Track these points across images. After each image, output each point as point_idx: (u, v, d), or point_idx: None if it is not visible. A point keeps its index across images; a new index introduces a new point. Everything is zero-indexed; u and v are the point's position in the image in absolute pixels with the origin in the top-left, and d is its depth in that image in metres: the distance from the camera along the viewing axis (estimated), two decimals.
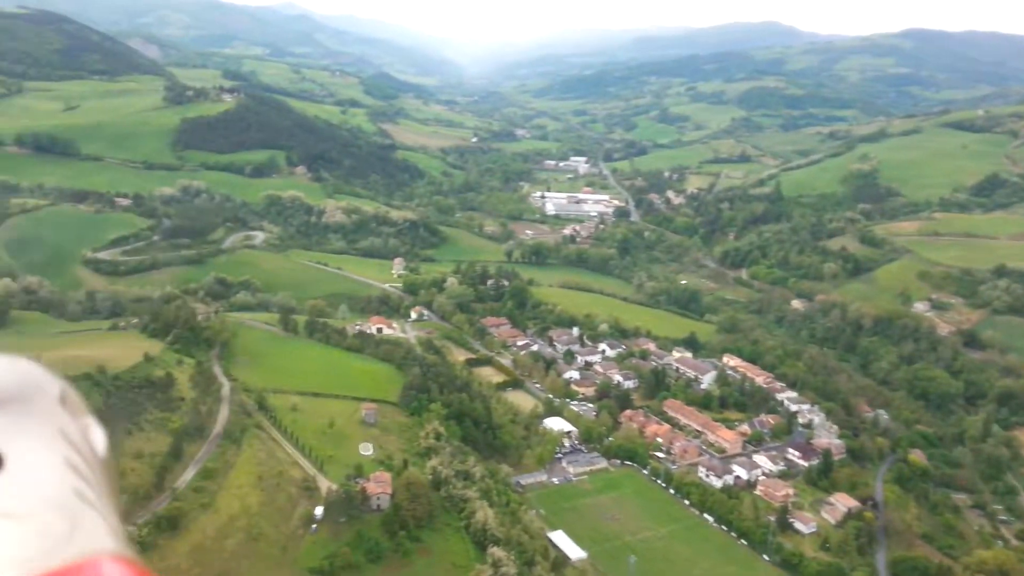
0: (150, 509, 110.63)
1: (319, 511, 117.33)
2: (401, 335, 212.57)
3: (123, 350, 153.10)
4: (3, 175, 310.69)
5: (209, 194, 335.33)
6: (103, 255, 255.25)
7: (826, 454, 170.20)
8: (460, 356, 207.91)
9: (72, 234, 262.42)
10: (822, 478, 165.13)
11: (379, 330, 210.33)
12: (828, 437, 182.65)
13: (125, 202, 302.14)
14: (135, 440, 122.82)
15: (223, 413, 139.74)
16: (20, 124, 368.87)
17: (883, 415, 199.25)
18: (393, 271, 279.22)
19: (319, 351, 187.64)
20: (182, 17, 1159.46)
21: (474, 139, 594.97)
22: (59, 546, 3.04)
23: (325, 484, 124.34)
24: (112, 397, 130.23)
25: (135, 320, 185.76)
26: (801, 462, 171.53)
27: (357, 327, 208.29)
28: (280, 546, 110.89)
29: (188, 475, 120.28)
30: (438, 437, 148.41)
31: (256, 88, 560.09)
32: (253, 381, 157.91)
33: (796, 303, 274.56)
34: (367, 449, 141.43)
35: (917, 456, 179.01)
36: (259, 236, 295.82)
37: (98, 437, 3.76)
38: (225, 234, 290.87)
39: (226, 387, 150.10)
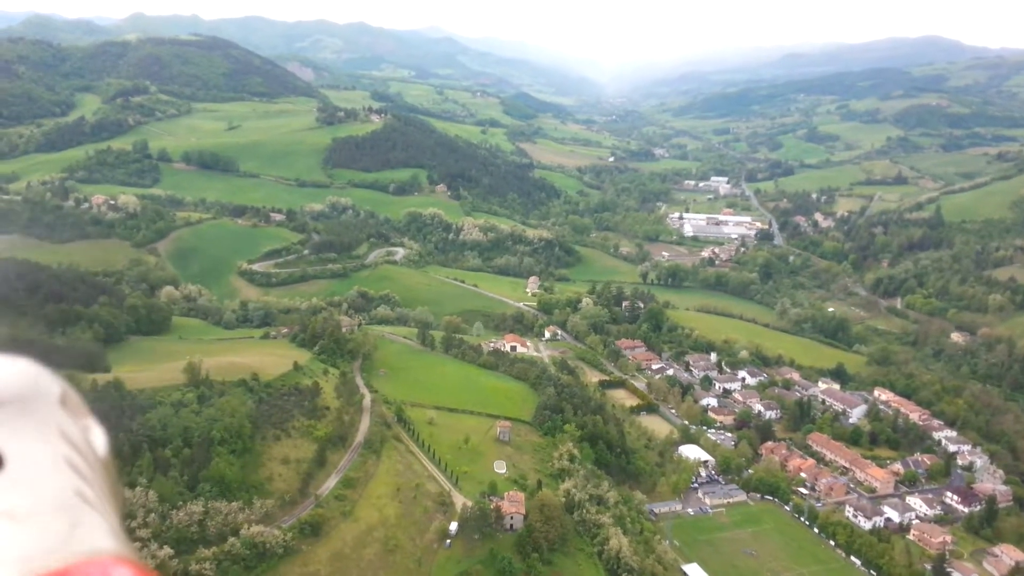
0: (295, 514, 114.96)
1: (454, 527, 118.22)
2: (535, 354, 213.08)
3: (274, 358, 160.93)
4: (170, 190, 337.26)
5: (355, 210, 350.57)
6: (257, 267, 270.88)
7: (990, 500, 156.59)
8: (594, 377, 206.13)
9: (229, 246, 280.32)
10: (985, 526, 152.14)
11: (513, 348, 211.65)
12: (992, 482, 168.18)
13: (279, 217, 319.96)
14: (282, 446, 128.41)
15: (364, 423, 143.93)
16: (187, 143, 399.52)
17: None
18: (527, 289, 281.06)
19: (455, 367, 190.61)
20: (335, 41, 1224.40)
21: (611, 158, 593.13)
22: (59, 546, 3.05)
23: (460, 500, 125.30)
24: (264, 403, 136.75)
25: (284, 330, 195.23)
26: (960, 507, 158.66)
27: (492, 344, 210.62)
28: (415, 559, 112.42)
29: (331, 483, 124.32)
30: (571, 459, 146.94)
31: (401, 109, 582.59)
32: (392, 393, 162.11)
33: (956, 336, 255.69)
34: (501, 467, 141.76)
35: None
36: (399, 252, 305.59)
37: (98, 437, 3.77)
38: (368, 249, 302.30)
39: (367, 398, 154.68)
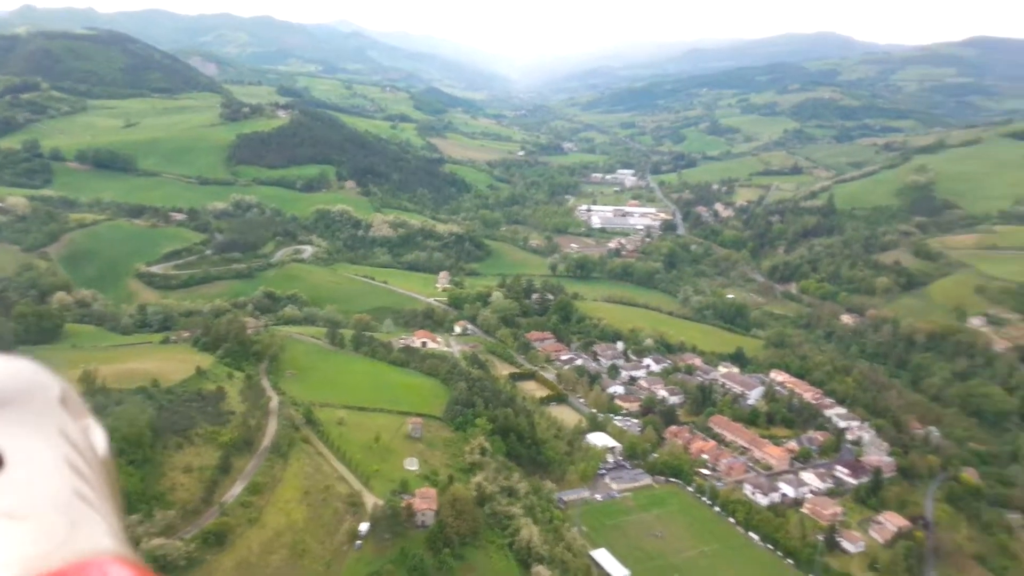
0: (198, 524, 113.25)
1: (364, 527, 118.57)
2: (446, 349, 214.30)
3: (175, 363, 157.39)
4: (63, 191, 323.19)
5: (260, 208, 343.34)
6: (156, 269, 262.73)
7: (876, 472, 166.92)
8: (504, 370, 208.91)
9: (127, 248, 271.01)
10: (871, 496, 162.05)
11: (424, 344, 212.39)
12: (878, 454, 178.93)
13: (179, 217, 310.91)
14: (185, 454, 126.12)
15: (271, 427, 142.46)
16: (82, 141, 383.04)
17: (934, 432, 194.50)
18: (438, 285, 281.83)
19: (365, 365, 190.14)
20: (240, 35, 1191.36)
21: (521, 152, 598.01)
22: (59, 546, 3.05)
23: (371, 499, 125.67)
24: (165, 410, 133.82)
25: (186, 334, 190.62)
26: (850, 480, 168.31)
27: (402, 341, 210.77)
28: (324, 562, 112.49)
29: (236, 490, 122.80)
30: (483, 452, 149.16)
31: (309, 104, 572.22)
32: (301, 394, 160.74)
33: (846, 318, 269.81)
34: (412, 464, 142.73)
35: (969, 475, 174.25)
36: (307, 250, 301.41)
37: (99, 437, 3.79)
38: (275, 248, 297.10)
39: (274, 401, 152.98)
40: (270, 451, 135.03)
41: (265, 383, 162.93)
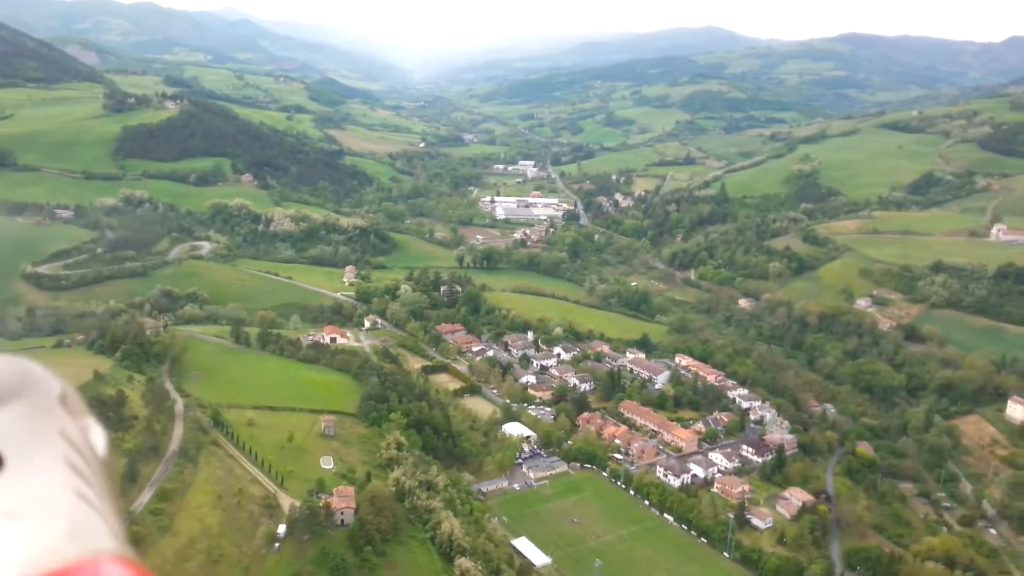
0: None
1: (282, 529, 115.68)
2: (356, 344, 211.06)
3: (70, 369, 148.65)
4: None
5: (153, 204, 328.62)
6: (44, 269, 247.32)
7: (779, 450, 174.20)
8: (416, 364, 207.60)
9: (10, 248, 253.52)
10: (776, 473, 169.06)
11: (333, 340, 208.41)
12: (780, 433, 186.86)
13: (66, 214, 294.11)
14: None
15: (178, 431, 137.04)
16: None
17: (831, 409, 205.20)
18: (344, 279, 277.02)
19: (273, 363, 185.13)
20: (121, 23, 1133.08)
21: (422, 144, 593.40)
22: (59, 546, 3.04)
23: (287, 501, 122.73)
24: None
25: (80, 337, 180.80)
26: (755, 458, 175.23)
27: (311, 338, 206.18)
28: (243, 567, 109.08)
29: (145, 497, 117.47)
30: (399, 447, 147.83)
31: (199, 95, 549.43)
32: (207, 396, 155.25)
33: (744, 302, 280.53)
34: (328, 462, 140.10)
35: (864, 448, 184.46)
36: (205, 246, 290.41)
37: (98, 437, 3.77)
38: (170, 245, 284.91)
39: (179, 404, 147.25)
40: (178, 456, 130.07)
41: (169, 386, 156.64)
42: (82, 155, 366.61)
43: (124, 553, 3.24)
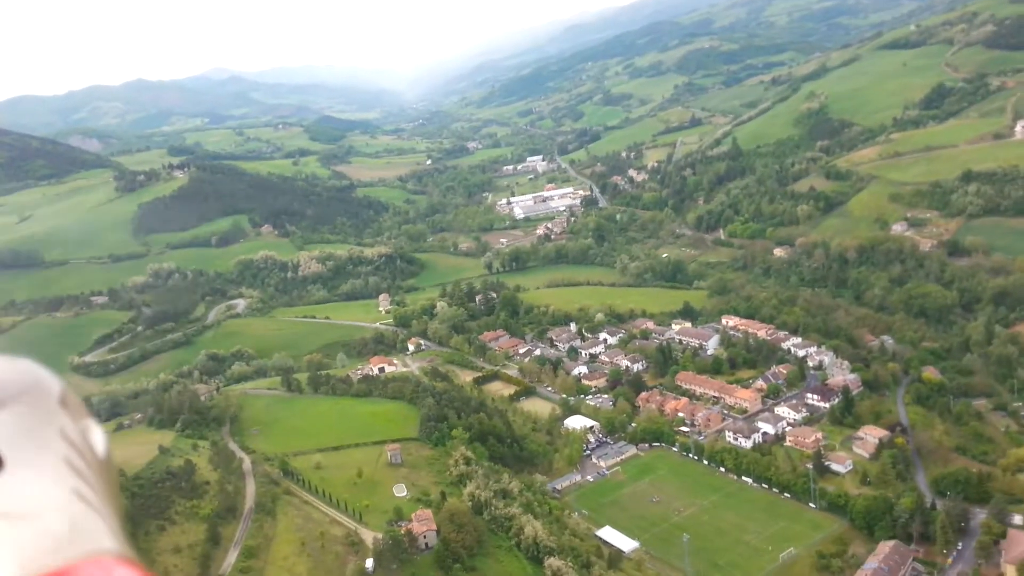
0: None
1: (370, 563, 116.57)
2: (405, 369, 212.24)
3: (135, 448, 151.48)
4: None
5: (181, 273, 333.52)
6: (90, 358, 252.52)
7: (844, 391, 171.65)
8: (467, 377, 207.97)
9: (54, 343, 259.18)
10: (846, 415, 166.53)
11: (382, 370, 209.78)
12: (841, 374, 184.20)
13: (101, 300, 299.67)
14: (169, 535, 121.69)
15: (250, 488, 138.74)
16: None
17: (888, 340, 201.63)
18: (380, 308, 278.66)
19: (328, 404, 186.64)
20: (115, 104, 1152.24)
21: (428, 161, 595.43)
22: (59, 546, 3.04)
23: (369, 535, 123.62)
24: (137, 498, 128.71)
25: (138, 415, 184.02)
26: (822, 404, 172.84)
27: (359, 372, 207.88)
28: None
29: (231, 558, 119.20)
30: (467, 462, 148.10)
31: (204, 158, 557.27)
32: (271, 449, 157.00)
33: (778, 251, 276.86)
34: (401, 490, 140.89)
35: (930, 372, 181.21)
36: (240, 303, 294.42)
37: (98, 438, 3.78)
38: (206, 309, 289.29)
39: (246, 461, 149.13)
40: (255, 512, 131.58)
41: (232, 446, 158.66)
42: (105, 240, 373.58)
43: (124, 553, 3.24)
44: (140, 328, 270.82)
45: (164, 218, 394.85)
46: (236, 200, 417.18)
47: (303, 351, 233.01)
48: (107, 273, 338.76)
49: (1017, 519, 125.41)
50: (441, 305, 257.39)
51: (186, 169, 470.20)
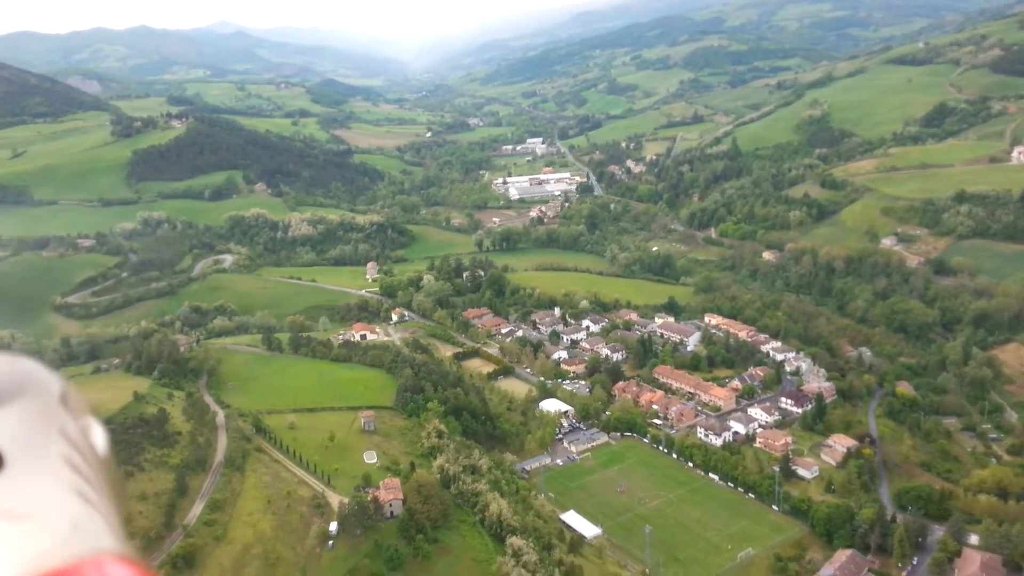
0: (163, 550, 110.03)
1: (334, 527, 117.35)
2: (386, 339, 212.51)
3: (110, 392, 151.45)
4: None
5: (171, 223, 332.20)
6: (73, 299, 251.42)
7: (818, 398, 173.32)
8: (448, 351, 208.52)
9: (38, 282, 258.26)
10: (817, 422, 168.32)
11: (363, 337, 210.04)
12: (817, 381, 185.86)
13: (88, 243, 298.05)
14: (137, 482, 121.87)
15: (222, 442, 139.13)
16: None
17: (866, 352, 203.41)
18: (367, 276, 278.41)
19: (307, 366, 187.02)
20: (118, 48, 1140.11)
21: (428, 134, 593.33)
22: (60, 545, 3.04)
23: (336, 499, 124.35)
24: (108, 441, 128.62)
25: (116, 361, 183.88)
26: (795, 409, 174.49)
27: (341, 337, 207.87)
28: (299, 567, 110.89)
29: (197, 510, 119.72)
30: (440, 435, 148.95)
31: (203, 110, 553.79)
32: (246, 405, 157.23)
33: (767, 255, 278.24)
34: (372, 457, 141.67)
35: (904, 387, 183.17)
36: (227, 259, 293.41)
37: (99, 437, 3.79)
38: (193, 261, 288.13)
39: (220, 415, 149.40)
40: (225, 466, 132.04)
41: (208, 399, 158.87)
42: (97, 183, 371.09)
43: (125, 552, 3.24)
44: (125, 274, 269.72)
45: (158, 167, 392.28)
46: (232, 155, 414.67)
47: (286, 311, 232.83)
48: (96, 217, 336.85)
49: (973, 539, 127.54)
50: (428, 278, 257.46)
51: (184, 119, 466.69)
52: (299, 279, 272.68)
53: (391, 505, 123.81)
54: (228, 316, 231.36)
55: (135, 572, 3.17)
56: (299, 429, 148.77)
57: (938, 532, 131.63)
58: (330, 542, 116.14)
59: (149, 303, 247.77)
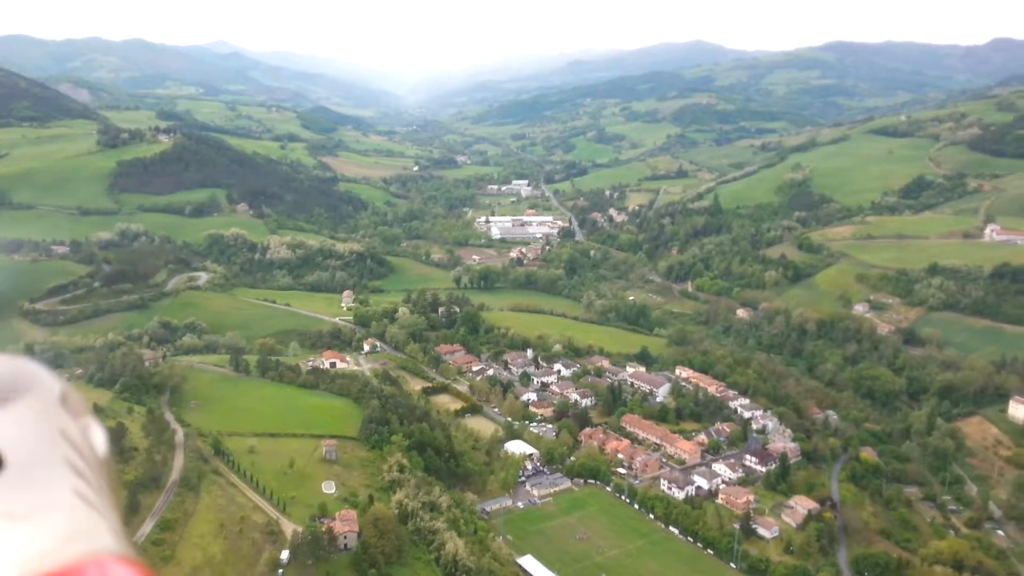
0: None
1: (285, 555, 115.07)
2: (356, 368, 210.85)
3: None
4: None
5: (149, 236, 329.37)
6: (41, 306, 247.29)
7: (782, 458, 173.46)
8: (416, 385, 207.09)
9: (8, 286, 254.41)
10: (780, 482, 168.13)
11: (333, 364, 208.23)
12: (783, 441, 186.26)
13: (62, 249, 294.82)
14: None
15: (178, 461, 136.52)
16: None
17: (832, 416, 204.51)
18: (343, 304, 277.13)
19: (273, 390, 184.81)
20: (112, 60, 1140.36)
21: (415, 168, 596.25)
22: (59, 546, 3.04)
23: (290, 527, 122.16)
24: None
25: (79, 371, 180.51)
26: (759, 468, 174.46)
27: (310, 363, 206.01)
28: None
29: (146, 528, 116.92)
30: (401, 469, 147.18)
31: (192, 127, 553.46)
32: (207, 425, 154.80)
33: (741, 312, 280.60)
34: (330, 487, 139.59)
35: (868, 453, 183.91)
36: (202, 276, 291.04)
37: (98, 437, 3.79)
38: (167, 276, 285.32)
39: (180, 433, 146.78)
40: (179, 486, 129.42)
41: (168, 416, 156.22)
42: (77, 191, 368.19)
43: (125, 553, 3.24)
44: (97, 284, 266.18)
45: (141, 180, 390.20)
46: (217, 173, 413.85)
47: (257, 334, 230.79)
48: (73, 224, 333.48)
49: None
50: (403, 311, 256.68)
51: (172, 134, 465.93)
52: (273, 302, 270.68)
53: (346, 537, 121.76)
54: (198, 334, 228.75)
55: (135, 572, 3.18)
56: (259, 453, 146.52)
57: None
58: (280, 571, 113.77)
59: (119, 315, 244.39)
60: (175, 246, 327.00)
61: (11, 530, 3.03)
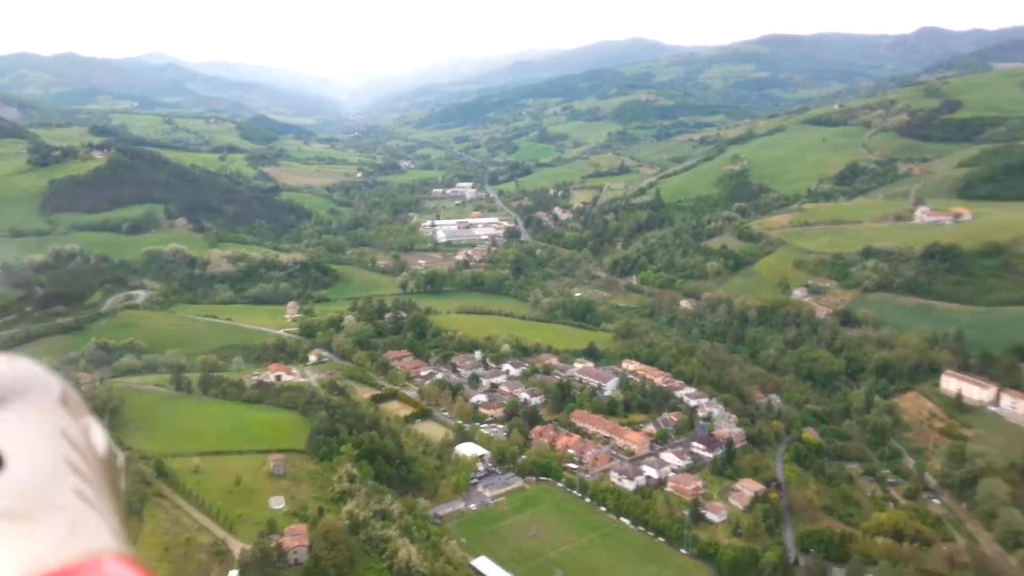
0: None
1: (233, 575, 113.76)
2: (302, 380, 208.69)
3: None
4: None
5: (84, 256, 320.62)
6: None
7: (728, 443, 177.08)
8: (365, 394, 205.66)
9: None
10: (727, 467, 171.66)
11: (278, 377, 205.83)
12: (728, 427, 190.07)
13: None
14: None
15: (120, 485, 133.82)
16: None
17: (776, 399, 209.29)
18: (287, 315, 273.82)
19: (216, 407, 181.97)
20: (42, 76, 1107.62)
21: (359, 174, 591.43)
22: (60, 546, 3.05)
23: (237, 546, 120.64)
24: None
25: None
26: (706, 454, 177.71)
27: (255, 377, 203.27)
28: None
29: None
30: (352, 479, 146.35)
31: (127, 142, 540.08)
32: (149, 447, 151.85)
33: (685, 303, 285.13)
34: (279, 502, 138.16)
35: (810, 434, 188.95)
36: (140, 295, 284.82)
37: (99, 437, 3.76)
38: (104, 296, 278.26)
39: (120, 457, 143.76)
40: None
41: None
42: (8, 213, 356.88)
43: (125, 552, 3.22)
44: (29, 309, 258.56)
45: (75, 198, 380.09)
46: (154, 188, 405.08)
47: (199, 350, 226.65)
48: (5, 247, 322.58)
49: None
50: (349, 319, 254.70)
51: (106, 150, 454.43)
52: (215, 317, 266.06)
53: (296, 552, 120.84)
54: (137, 354, 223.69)
55: (135, 572, 3.16)
56: (204, 473, 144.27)
57: (838, 574, 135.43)
58: None
59: (54, 339, 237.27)
60: (112, 265, 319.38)
61: (11, 530, 3.02)
